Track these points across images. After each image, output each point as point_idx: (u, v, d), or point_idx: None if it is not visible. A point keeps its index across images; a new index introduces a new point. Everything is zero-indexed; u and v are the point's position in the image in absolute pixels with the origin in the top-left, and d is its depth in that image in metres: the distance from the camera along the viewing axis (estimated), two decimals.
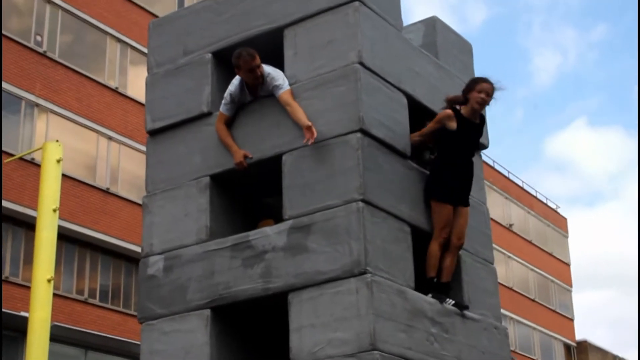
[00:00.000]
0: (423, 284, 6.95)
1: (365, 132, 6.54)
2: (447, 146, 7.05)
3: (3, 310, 20.52)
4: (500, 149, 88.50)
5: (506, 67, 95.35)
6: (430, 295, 6.75)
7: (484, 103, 7.03)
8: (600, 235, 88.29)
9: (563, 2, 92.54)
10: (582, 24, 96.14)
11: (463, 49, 8.33)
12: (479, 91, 7.01)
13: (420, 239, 6.91)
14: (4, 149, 22.28)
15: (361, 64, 6.69)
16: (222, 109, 7.11)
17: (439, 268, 6.96)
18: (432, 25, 8.06)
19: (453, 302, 6.91)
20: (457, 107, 7.06)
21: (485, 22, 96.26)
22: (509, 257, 43.20)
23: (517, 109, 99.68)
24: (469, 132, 7.08)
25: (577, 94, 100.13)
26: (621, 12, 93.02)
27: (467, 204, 7.14)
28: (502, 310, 32.63)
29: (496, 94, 7.04)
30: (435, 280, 6.86)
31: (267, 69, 6.98)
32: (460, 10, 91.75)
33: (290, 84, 6.91)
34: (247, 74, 6.93)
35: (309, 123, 6.58)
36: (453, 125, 6.97)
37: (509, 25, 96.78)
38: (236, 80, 7.08)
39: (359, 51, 6.71)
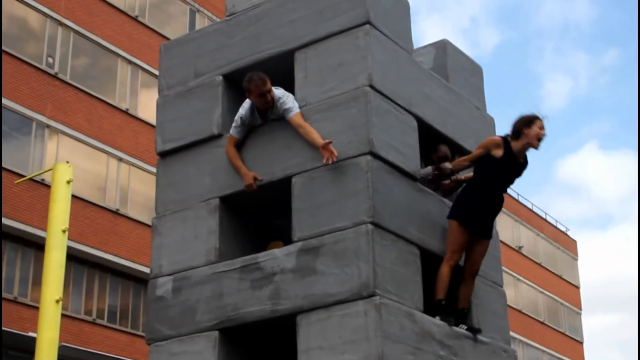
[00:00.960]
0: (432, 307, 6.94)
1: (375, 155, 6.55)
2: (484, 172, 6.95)
3: (12, 331, 20.55)
4: None
5: (518, 91, 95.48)
6: (438, 317, 6.72)
7: (541, 140, 6.93)
8: (611, 258, 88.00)
9: (575, 27, 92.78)
10: (593, 49, 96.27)
11: (474, 71, 8.35)
12: (540, 127, 6.88)
13: (429, 262, 6.90)
14: (14, 169, 22.36)
15: (371, 86, 6.71)
16: (232, 131, 7.14)
17: (457, 295, 6.93)
18: (442, 48, 8.08)
19: (466, 327, 6.89)
20: (508, 138, 6.95)
21: (497, 47, 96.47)
22: (519, 279, 43.07)
23: None
24: (511, 166, 6.96)
25: (588, 118, 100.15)
26: (632, 36, 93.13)
27: (489, 236, 7.08)
28: (512, 333, 32.51)
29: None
30: (443, 302, 6.83)
31: (278, 92, 7.01)
32: (472, 35, 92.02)
33: (300, 107, 6.93)
34: (258, 98, 6.96)
35: (325, 141, 6.59)
36: (498, 153, 6.88)
37: (521, 50, 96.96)
38: (247, 103, 7.10)
39: (370, 74, 6.73)
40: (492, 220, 7.14)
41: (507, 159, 6.90)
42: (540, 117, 6.93)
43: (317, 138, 6.68)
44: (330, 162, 6.54)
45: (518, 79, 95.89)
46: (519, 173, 7.07)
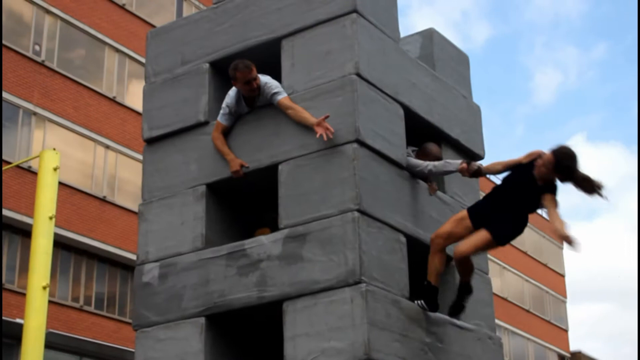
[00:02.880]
0: (417, 294, 6.98)
1: (361, 143, 6.58)
2: (504, 178, 6.86)
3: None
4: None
5: (508, 84, 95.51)
6: (417, 302, 6.70)
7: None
8: (598, 249, 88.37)
9: (565, 21, 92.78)
10: (583, 43, 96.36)
11: (460, 60, 8.37)
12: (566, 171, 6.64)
13: (415, 250, 6.94)
14: (2, 157, 22.31)
15: (358, 75, 6.73)
16: (220, 119, 7.14)
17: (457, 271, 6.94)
18: (429, 37, 8.10)
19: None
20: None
21: (488, 41, 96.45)
22: (504, 268, 43.22)
23: (517, 125, 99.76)
24: (524, 181, 6.72)
25: (577, 110, 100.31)
26: (622, 31, 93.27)
27: (498, 239, 6.74)
28: (497, 321, 32.60)
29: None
30: (425, 284, 6.75)
31: (263, 78, 7.02)
32: (463, 28, 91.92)
33: (287, 94, 6.95)
34: (244, 85, 6.96)
35: (320, 119, 6.60)
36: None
37: (512, 44, 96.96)
38: (232, 91, 7.11)
39: (356, 62, 6.75)
40: (501, 224, 6.73)
41: (523, 175, 6.71)
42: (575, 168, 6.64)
43: (309, 117, 6.69)
44: (325, 138, 6.54)
45: (508, 72, 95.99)
46: (536, 194, 6.73)
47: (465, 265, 6.77)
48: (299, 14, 7.14)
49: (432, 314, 6.75)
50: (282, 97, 6.88)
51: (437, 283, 6.72)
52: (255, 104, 7.08)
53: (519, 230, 6.81)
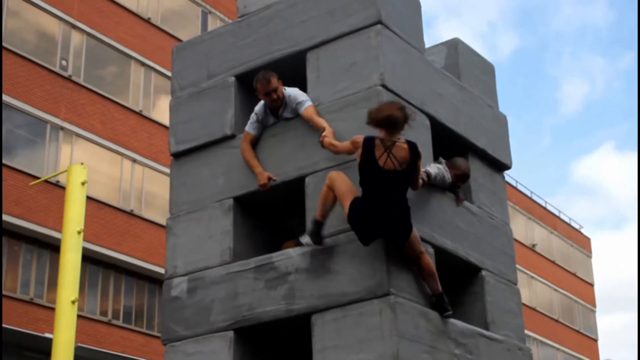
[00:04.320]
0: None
1: None
2: None
3: (28, 332, 20.66)
4: (528, 174, 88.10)
5: (535, 95, 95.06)
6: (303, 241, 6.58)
7: None
8: (626, 258, 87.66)
9: (592, 31, 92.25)
10: (610, 53, 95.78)
11: (485, 70, 8.34)
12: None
13: (443, 260, 6.91)
14: (30, 171, 22.47)
15: (384, 86, 6.72)
16: (248, 127, 7.17)
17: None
18: (454, 47, 8.08)
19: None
20: None
21: (514, 51, 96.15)
22: (533, 277, 42.94)
23: (544, 135, 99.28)
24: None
25: (604, 120, 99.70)
26: None
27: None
28: (526, 331, 32.39)
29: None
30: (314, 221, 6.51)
31: (289, 91, 7.04)
32: (490, 39, 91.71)
33: (312, 104, 6.96)
34: (265, 97, 7.01)
35: (324, 125, 6.68)
36: None
37: (539, 54, 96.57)
38: (262, 102, 7.15)
39: (382, 73, 6.74)
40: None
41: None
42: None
43: (322, 123, 6.76)
44: (321, 140, 6.59)
45: (535, 82, 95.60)
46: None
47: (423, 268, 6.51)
48: (324, 26, 7.14)
49: (461, 325, 6.71)
50: (305, 107, 6.91)
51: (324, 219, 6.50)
52: (281, 114, 7.10)
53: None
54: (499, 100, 8.36)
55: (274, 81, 6.98)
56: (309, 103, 6.93)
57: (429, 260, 6.48)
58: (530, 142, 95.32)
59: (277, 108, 7.08)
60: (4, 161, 22.06)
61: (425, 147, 6.99)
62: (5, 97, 22.54)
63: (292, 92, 7.03)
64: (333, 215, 6.58)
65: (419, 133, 6.95)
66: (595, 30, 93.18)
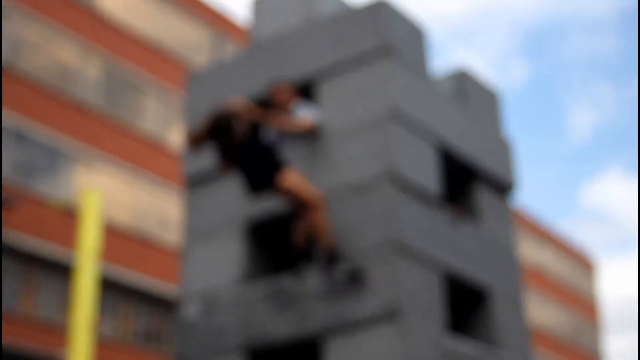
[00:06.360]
0: (456, 329, 7.03)
1: (395, 179, 6.67)
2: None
3: (45, 354, 20.76)
4: (537, 199, 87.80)
5: (544, 122, 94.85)
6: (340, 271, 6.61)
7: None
8: (635, 280, 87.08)
9: (602, 60, 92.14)
10: (620, 80, 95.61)
11: (492, 96, 8.44)
12: None
13: (453, 286, 6.99)
14: (47, 196, 22.68)
15: (392, 112, 6.84)
16: None
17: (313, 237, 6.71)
18: (461, 73, 8.18)
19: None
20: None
21: (525, 79, 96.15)
22: (540, 299, 42.80)
23: (554, 161, 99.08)
24: None
25: (614, 146, 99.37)
26: None
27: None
28: (534, 353, 32.23)
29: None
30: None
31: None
32: (501, 67, 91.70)
33: (322, 132, 7.08)
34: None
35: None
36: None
37: (549, 82, 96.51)
38: None
39: (389, 100, 6.86)
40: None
41: None
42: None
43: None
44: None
45: (545, 110, 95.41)
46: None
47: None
48: (332, 54, 7.26)
49: (469, 348, 6.78)
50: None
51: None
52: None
53: None
54: (510, 126, 8.48)
55: (291, 92, 7.20)
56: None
57: (317, 216, 6.54)
58: (540, 168, 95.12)
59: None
60: (22, 186, 22.31)
61: (433, 172, 7.09)
62: (23, 124, 22.80)
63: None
64: (343, 239, 6.67)
65: (426, 160, 7.05)
66: (605, 58, 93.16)
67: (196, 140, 6.83)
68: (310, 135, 7.13)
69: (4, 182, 21.85)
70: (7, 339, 20.21)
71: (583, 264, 48.20)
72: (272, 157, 6.76)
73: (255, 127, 6.85)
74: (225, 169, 6.87)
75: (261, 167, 6.71)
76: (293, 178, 6.63)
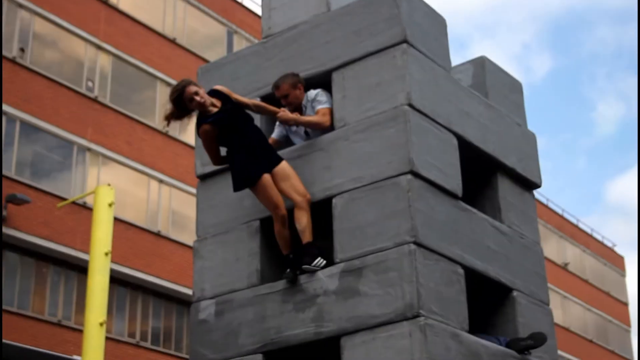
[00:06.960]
0: (476, 327, 6.87)
1: (415, 174, 6.51)
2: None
3: (56, 354, 20.70)
4: (562, 194, 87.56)
5: (569, 116, 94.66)
6: (286, 273, 6.72)
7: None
8: None
9: (628, 52, 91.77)
10: None
11: (513, 88, 8.28)
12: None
13: (474, 281, 6.83)
14: (57, 193, 22.58)
15: (410, 105, 6.68)
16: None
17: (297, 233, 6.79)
18: (481, 65, 8.02)
19: (322, 262, 6.68)
20: None
21: (549, 73, 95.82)
22: (565, 297, 42.52)
23: (579, 156, 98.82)
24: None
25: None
26: None
27: (277, 162, 6.86)
28: (559, 352, 32.11)
29: None
30: (291, 256, 6.76)
31: (312, 91, 7.18)
32: (524, 61, 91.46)
33: (339, 127, 6.94)
34: (283, 101, 7.18)
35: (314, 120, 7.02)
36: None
37: (573, 75, 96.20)
38: None
39: (408, 93, 6.70)
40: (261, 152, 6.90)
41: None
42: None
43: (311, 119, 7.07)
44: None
45: (570, 104, 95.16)
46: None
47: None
48: (349, 46, 7.11)
49: (493, 347, 6.62)
50: (319, 107, 7.12)
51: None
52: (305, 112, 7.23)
53: None
54: (534, 121, 8.37)
55: (284, 87, 7.10)
56: (323, 105, 7.03)
57: (302, 214, 6.70)
58: (565, 163, 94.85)
59: (299, 112, 7.11)
60: (31, 183, 22.21)
61: (453, 167, 6.93)
62: (32, 119, 22.71)
63: (312, 92, 7.13)
64: (361, 235, 6.53)
65: (446, 153, 6.89)
66: (630, 51, 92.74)
67: (167, 116, 7.20)
68: (325, 130, 7.00)
69: (15, 179, 21.77)
70: (20, 339, 20.10)
71: (610, 260, 47.86)
72: (260, 155, 6.80)
73: (226, 99, 6.94)
74: (205, 137, 7.04)
75: (248, 165, 6.78)
76: (282, 175, 6.76)
